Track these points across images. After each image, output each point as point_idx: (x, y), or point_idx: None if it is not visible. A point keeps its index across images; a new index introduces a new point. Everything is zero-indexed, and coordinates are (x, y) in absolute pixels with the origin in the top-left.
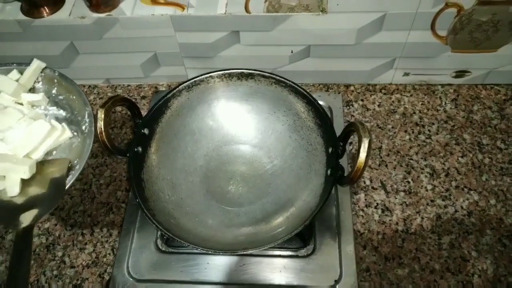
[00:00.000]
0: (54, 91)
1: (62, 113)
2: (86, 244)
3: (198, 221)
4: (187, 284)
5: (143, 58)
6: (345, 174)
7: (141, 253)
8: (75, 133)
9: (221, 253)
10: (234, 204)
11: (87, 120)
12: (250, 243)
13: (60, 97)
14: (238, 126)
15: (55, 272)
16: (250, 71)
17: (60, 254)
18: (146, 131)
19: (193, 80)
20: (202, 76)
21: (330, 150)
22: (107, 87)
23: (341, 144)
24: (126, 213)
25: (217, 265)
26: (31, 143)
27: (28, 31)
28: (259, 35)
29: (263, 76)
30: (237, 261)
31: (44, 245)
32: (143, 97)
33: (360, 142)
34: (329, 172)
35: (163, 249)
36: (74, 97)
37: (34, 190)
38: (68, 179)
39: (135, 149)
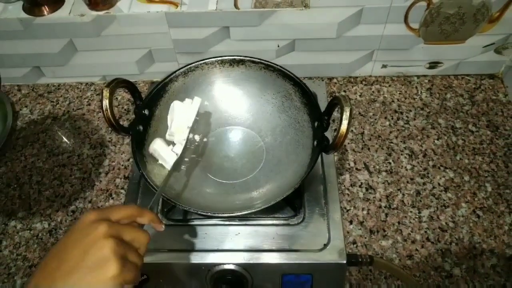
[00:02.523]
0: None
1: None
2: None
3: (196, 193)
4: (186, 252)
5: (138, 54)
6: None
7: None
8: None
9: (219, 214)
10: (229, 178)
11: None
12: (246, 207)
13: None
14: (232, 109)
15: None
16: (241, 57)
17: None
18: (146, 111)
19: (189, 66)
20: (197, 62)
21: (316, 124)
22: (104, 84)
23: (326, 118)
24: (128, 190)
25: (214, 234)
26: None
27: (29, 29)
28: (247, 30)
29: (253, 62)
30: (233, 230)
31: (47, 230)
32: None
33: (342, 111)
34: (315, 143)
35: (163, 222)
36: None
37: None
38: None
39: (137, 128)
